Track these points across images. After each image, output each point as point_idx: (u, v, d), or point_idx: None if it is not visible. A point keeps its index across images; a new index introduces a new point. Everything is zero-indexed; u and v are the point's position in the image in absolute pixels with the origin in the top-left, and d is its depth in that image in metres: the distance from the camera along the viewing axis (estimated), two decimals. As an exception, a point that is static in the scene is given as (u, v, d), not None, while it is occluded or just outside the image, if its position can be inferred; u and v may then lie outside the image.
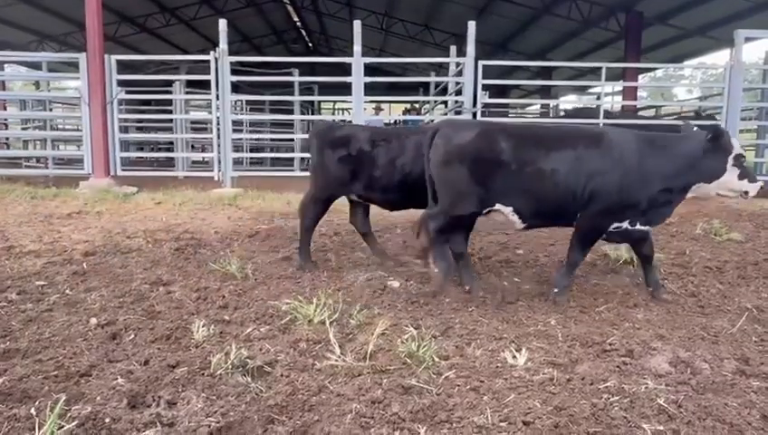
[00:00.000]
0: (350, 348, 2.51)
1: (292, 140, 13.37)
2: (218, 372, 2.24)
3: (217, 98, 8.33)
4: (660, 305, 3.24)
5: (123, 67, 8.81)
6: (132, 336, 2.67)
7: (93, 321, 2.86)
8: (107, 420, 1.88)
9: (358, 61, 8.20)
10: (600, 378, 2.22)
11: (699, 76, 42.55)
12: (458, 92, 9.01)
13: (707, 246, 4.84)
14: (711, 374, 2.28)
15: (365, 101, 8.58)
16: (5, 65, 14.87)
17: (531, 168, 3.18)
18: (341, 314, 2.93)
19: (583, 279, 3.82)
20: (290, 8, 22.92)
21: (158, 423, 1.88)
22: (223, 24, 8.31)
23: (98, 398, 2.04)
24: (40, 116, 11.80)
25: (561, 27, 17.37)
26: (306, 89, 13.79)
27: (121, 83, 8.78)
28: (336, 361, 2.37)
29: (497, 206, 3.29)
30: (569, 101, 24.46)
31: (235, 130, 9.31)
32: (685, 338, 2.70)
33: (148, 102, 14.12)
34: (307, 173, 12.33)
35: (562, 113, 12.65)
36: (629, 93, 13.31)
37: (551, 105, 17.62)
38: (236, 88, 9.33)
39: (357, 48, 8.18)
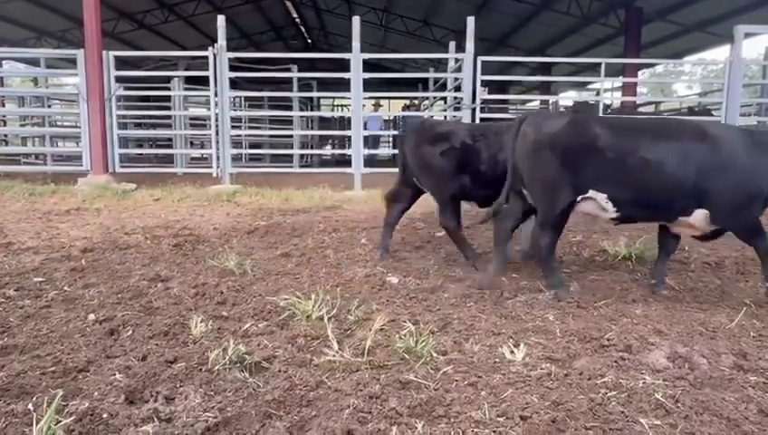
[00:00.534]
0: (348, 344, 2.51)
1: (291, 136, 13.36)
2: (216, 368, 2.24)
3: (216, 94, 8.31)
4: (659, 301, 3.24)
5: (122, 63, 8.79)
6: (130, 332, 2.67)
7: (91, 317, 2.86)
8: (104, 416, 1.88)
9: (357, 57, 8.18)
10: (597, 373, 2.22)
11: (699, 72, 42.53)
12: (457, 88, 9.00)
13: (706, 243, 4.84)
14: (709, 369, 2.28)
15: (364, 98, 8.57)
16: (3, 62, 14.86)
17: (632, 156, 3.13)
18: (340, 309, 2.93)
19: (581, 275, 3.81)
20: (289, 4, 22.86)
21: (155, 419, 1.88)
22: (221, 20, 8.29)
23: (95, 393, 2.04)
24: (38, 113, 11.77)
25: (560, 23, 17.34)
26: (305, 85, 13.77)
27: (120, 80, 8.75)
28: (334, 356, 2.37)
29: (590, 192, 3.24)
30: (568, 97, 24.42)
31: (233, 127, 9.30)
32: (683, 333, 2.70)
33: (146, 99, 14.08)
34: (306, 170, 12.31)
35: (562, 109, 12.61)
36: (629, 89, 13.26)
37: (550, 101, 17.60)
38: (235, 84, 9.31)
39: (356, 44, 8.16)
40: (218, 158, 8.46)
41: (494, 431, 1.81)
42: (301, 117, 14.30)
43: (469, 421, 1.86)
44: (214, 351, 2.34)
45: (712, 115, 8.84)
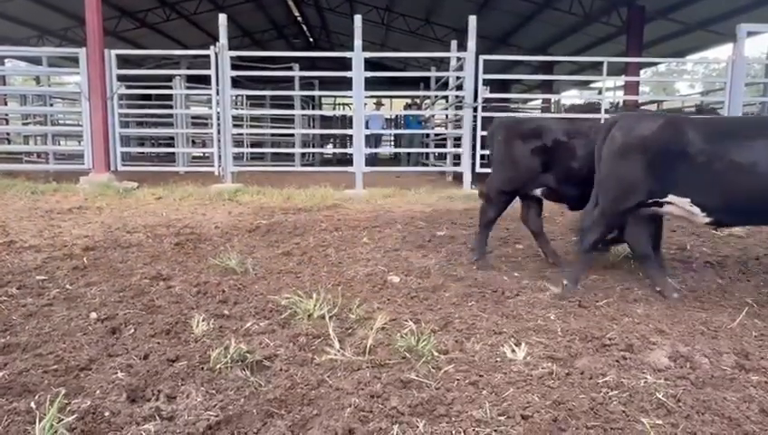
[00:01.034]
0: (349, 342, 2.51)
1: (293, 135, 13.37)
2: (218, 367, 2.24)
3: (218, 93, 8.32)
4: (660, 301, 3.24)
5: (123, 62, 8.80)
6: (132, 331, 2.67)
7: (93, 315, 2.86)
8: (106, 414, 1.89)
9: (358, 56, 8.18)
10: (599, 372, 2.22)
11: (701, 71, 42.44)
12: (459, 87, 9.01)
13: (708, 241, 4.84)
14: (710, 369, 2.28)
15: (365, 96, 8.57)
16: (6, 60, 14.88)
17: (723, 160, 3.00)
18: (341, 308, 2.93)
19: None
20: (290, 3, 22.85)
21: (157, 417, 1.88)
22: (223, 18, 8.30)
23: (97, 392, 2.04)
24: (40, 111, 11.79)
25: (562, 22, 17.30)
26: (307, 84, 13.77)
27: (121, 78, 8.77)
28: (335, 355, 2.37)
29: (669, 197, 3.16)
30: (570, 96, 24.43)
31: (235, 126, 9.32)
32: (684, 333, 2.70)
33: (148, 97, 14.10)
34: (307, 169, 12.34)
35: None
36: (631, 88, 13.23)
37: (552, 100, 17.58)
38: (236, 83, 9.31)
39: (357, 43, 8.16)
40: (220, 156, 8.47)
41: (496, 430, 1.81)
42: (302, 116, 14.30)
43: (470, 420, 1.86)
44: (215, 349, 2.34)
45: (717, 114, 8.82)
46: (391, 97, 23.51)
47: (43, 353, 2.38)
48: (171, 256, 4.20)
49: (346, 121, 17.46)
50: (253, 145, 14.23)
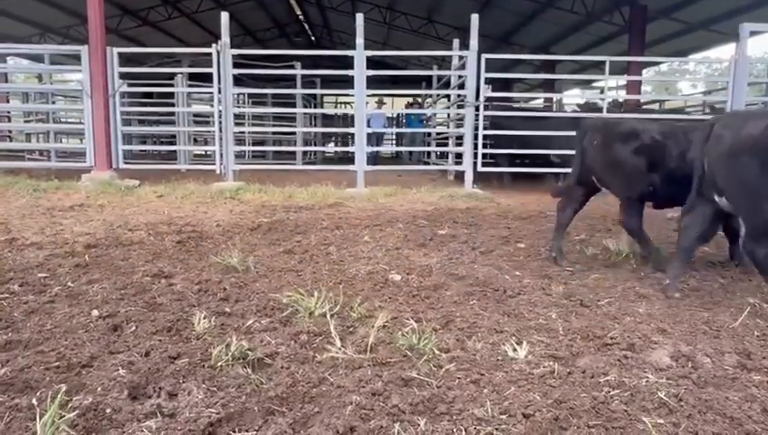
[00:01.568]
0: (350, 340, 2.51)
1: (294, 133, 13.37)
2: (219, 364, 2.24)
3: (219, 91, 8.32)
4: (662, 300, 3.23)
5: (125, 60, 8.80)
6: (133, 328, 2.68)
7: (95, 313, 2.86)
8: (107, 411, 1.89)
9: (360, 54, 8.18)
10: (600, 371, 2.22)
11: (704, 70, 42.33)
12: (461, 86, 9.00)
13: (711, 241, 4.82)
14: (712, 368, 2.27)
15: (367, 95, 8.57)
16: (8, 58, 14.88)
17: None
18: (342, 306, 2.93)
19: (584, 273, 3.81)
20: (292, 1, 22.84)
21: (158, 414, 1.88)
22: (225, 17, 8.30)
23: (99, 389, 2.04)
24: (42, 109, 11.81)
25: (564, 21, 17.28)
26: (308, 82, 13.76)
27: (123, 76, 8.77)
28: (336, 353, 2.37)
29: None
30: (573, 95, 24.38)
31: (237, 124, 9.31)
32: (686, 332, 2.69)
33: (150, 95, 14.10)
34: (309, 167, 12.32)
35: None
36: (633, 87, 13.22)
37: (554, 99, 17.56)
38: (238, 81, 9.31)
39: (359, 41, 8.15)
40: (221, 155, 8.48)
41: (497, 429, 1.81)
42: (304, 114, 14.30)
43: (471, 419, 1.86)
44: (217, 347, 2.34)
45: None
46: (393, 96, 23.51)
47: (44, 350, 2.39)
48: (173, 254, 4.20)
49: (348, 120, 17.46)
50: (254, 143, 14.23)
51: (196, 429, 1.79)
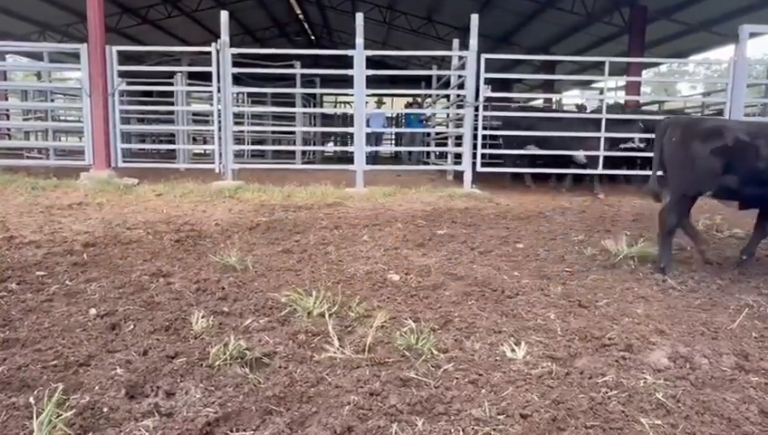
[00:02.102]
0: (348, 340, 2.51)
1: (294, 132, 13.35)
2: (217, 363, 2.24)
3: (219, 90, 8.31)
4: (660, 301, 3.24)
5: (125, 58, 8.79)
6: (131, 327, 2.67)
7: (93, 311, 2.86)
8: (105, 410, 1.89)
9: (360, 54, 8.17)
10: (598, 372, 2.22)
11: (703, 72, 42.40)
12: (461, 86, 8.99)
13: (709, 242, 4.83)
14: (710, 369, 2.27)
15: (367, 94, 8.56)
16: (7, 56, 14.86)
17: None
18: (341, 306, 2.93)
19: (583, 274, 3.81)
20: (292, 1, 22.82)
21: (155, 413, 1.88)
22: (225, 15, 8.29)
23: (96, 387, 2.04)
24: (41, 107, 11.78)
25: (564, 21, 17.28)
26: (308, 81, 13.75)
27: (123, 74, 8.76)
28: (335, 353, 2.37)
29: None
30: (572, 96, 24.39)
31: (236, 123, 9.30)
32: (684, 333, 2.70)
33: (149, 94, 14.09)
34: (308, 166, 12.29)
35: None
36: (633, 88, 13.22)
37: (553, 99, 17.57)
38: (238, 80, 9.30)
39: (359, 41, 8.15)
40: (220, 154, 8.47)
41: (495, 429, 1.81)
42: (303, 113, 14.29)
43: (469, 419, 1.86)
44: (215, 346, 2.34)
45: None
46: (392, 95, 23.50)
47: (42, 349, 2.38)
48: (171, 253, 4.20)
49: (347, 119, 17.45)
50: (254, 142, 14.21)
51: (193, 428, 1.79)
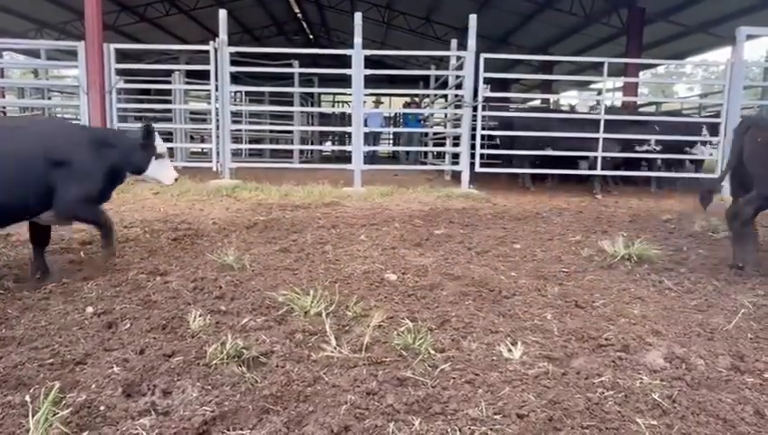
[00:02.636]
0: (345, 340, 2.51)
1: (292, 131, 13.34)
2: (214, 362, 2.24)
3: (217, 89, 8.30)
4: (656, 302, 3.25)
5: (122, 56, 8.77)
6: (128, 325, 2.67)
7: (89, 310, 2.86)
8: (101, 408, 1.89)
9: (358, 53, 8.17)
10: (594, 372, 2.23)
11: (700, 73, 42.49)
12: (459, 86, 9.00)
13: (705, 244, 4.85)
14: (706, 370, 2.28)
15: (365, 94, 8.56)
16: (4, 53, 14.81)
17: None
18: (338, 305, 2.93)
19: (580, 274, 3.82)
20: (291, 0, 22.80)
21: (152, 412, 1.88)
22: (223, 14, 8.28)
23: (93, 386, 2.04)
24: (38, 104, 11.76)
25: (562, 22, 17.30)
26: (306, 81, 13.74)
27: (120, 73, 8.74)
28: (332, 352, 2.37)
29: None
30: (570, 96, 24.44)
31: (234, 121, 9.28)
32: (680, 334, 2.70)
33: (147, 92, 14.04)
34: (306, 166, 12.27)
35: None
36: (630, 89, 13.25)
37: (551, 100, 17.59)
38: (236, 79, 9.29)
39: (357, 40, 8.15)
40: (218, 152, 8.46)
41: (491, 429, 1.81)
42: (301, 112, 14.28)
43: (466, 419, 1.87)
44: (212, 345, 2.34)
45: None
46: (391, 95, 23.50)
47: (38, 347, 2.38)
48: (168, 252, 4.19)
49: (345, 119, 17.45)
50: (251, 141, 14.19)
51: (190, 427, 1.79)
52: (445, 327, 2.74)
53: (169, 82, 11.60)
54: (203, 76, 9.18)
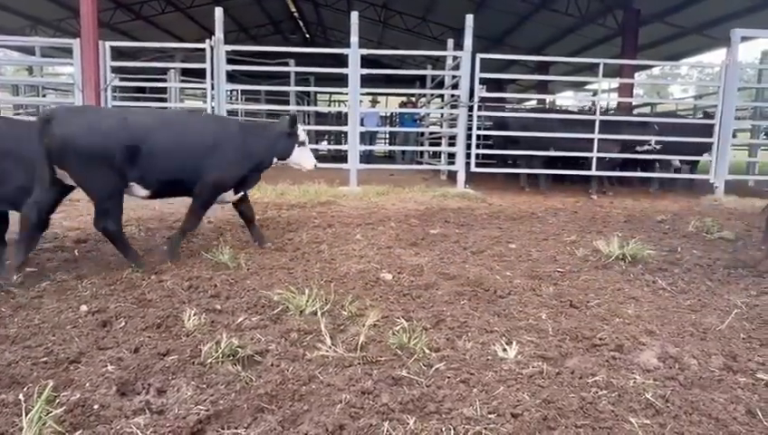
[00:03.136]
0: (341, 339, 2.51)
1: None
2: (209, 361, 2.24)
3: (212, 87, 8.27)
4: (650, 302, 3.26)
5: (118, 54, 8.73)
6: (123, 324, 2.66)
7: (84, 308, 2.85)
8: (95, 407, 1.88)
9: (354, 52, 8.17)
10: (589, 372, 2.24)
11: (695, 75, 42.71)
12: (455, 86, 9.00)
13: (699, 244, 4.88)
14: (699, 370, 2.30)
15: (361, 93, 8.56)
16: (-2, 50, 14.71)
17: None
18: (333, 305, 2.93)
19: (575, 274, 3.83)
20: (287, -2, 22.76)
21: (147, 410, 1.88)
22: (219, 12, 8.25)
23: (87, 385, 2.03)
24: (33, 102, 11.69)
25: (558, 23, 17.35)
26: (302, 80, 13.72)
27: (116, 70, 8.70)
28: (327, 351, 2.37)
29: None
30: (565, 97, 24.52)
31: (229, 120, 9.24)
32: (674, 334, 2.72)
33: (142, 90, 13.99)
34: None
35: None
36: (625, 90, 13.30)
37: (547, 100, 17.64)
38: (232, 77, 9.26)
39: (354, 39, 8.14)
40: (214, 151, 8.42)
41: (486, 428, 1.82)
42: (297, 111, 14.26)
43: (461, 418, 1.87)
44: (207, 344, 2.34)
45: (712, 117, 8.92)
46: (387, 95, 23.46)
47: (32, 346, 2.37)
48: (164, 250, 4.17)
49: (341, 118, 17.44)
50: (247, 140, 14.15)
51: (184, 426, 1.78)
52: (440, 327, 2.74)
53: (165, 80, 11.56)
54: (199, 74, 9.14)
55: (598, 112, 8.83)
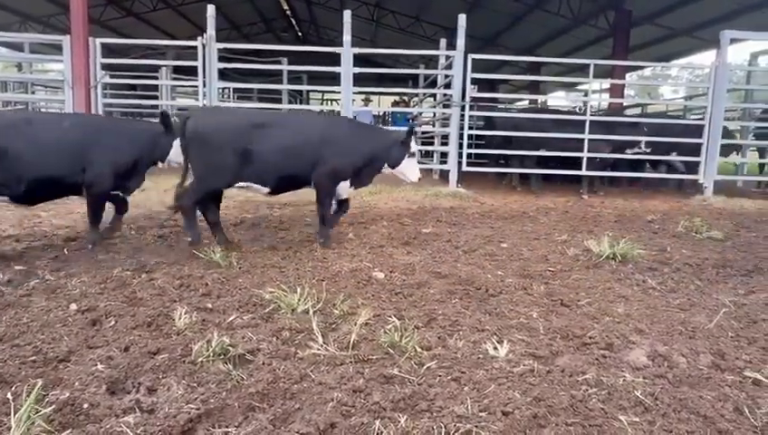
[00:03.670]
0: (332, 337, 2.51)
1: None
2: (199, 360, 2.23)
3: (204, 85, 8.23)
4: (640, 301, 3.29)
5: (108, 51, 8.66)
6: (113, 323, 2.65)
7: (73, 307, 2.83)
8: (85, 406, 1.87)
9: (347, 51, 8.16)
10: (579, 370, 2.25)
11: (686, 76, 43.06)
12: (447, 86, 9.01)
13: (688, 244, 4.92)
14: (687, 368, 2.32)
15: (354, 92, 8.55)
16: (-14, 46, 14.56)
17: None
18: (325, 303, 2.93)
19: (565, 273, 3.85)
20: (280, -4, 22.68)
21: (137, 409, 1.87)
22: (211, 9, 8.20)
23: (76, 383, 2.02)
24: (22, 99, 11.57)
25: (551, 24, 17.43)
26: (295, 78, 13.67)
27: (106, 67, 8.64)
28: (318, 350, 2.37)
29: None
30: (557, 97, 24.61)
31: (221, 118, 9.20)
32: (663, 332, 2.74)
33: (133, 87, 13.90)
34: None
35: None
36: (616, 91, 13.38)
37: (539, 101, 17.71)
38: (224, 75, 9.22)
39: (346, 38, 8.13)
40: (205, 149, 8.38)
41: (477, 426, 1.82)
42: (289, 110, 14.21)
43: (452, 416, 1.88)
44: (197, 342, 2.33)
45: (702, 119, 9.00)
46: (380, 94, 23.48)
47: (20, 344, 2.35)
48: (154, 249, 4.16)
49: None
50: (239, 138, 14.09)
51: (175, 424, 1.78)
52: (431, 325, 2.75)
53: (156, 78, 11.49)
54: (190, 72, 9.09)
55: (588, 113, 8.86)
